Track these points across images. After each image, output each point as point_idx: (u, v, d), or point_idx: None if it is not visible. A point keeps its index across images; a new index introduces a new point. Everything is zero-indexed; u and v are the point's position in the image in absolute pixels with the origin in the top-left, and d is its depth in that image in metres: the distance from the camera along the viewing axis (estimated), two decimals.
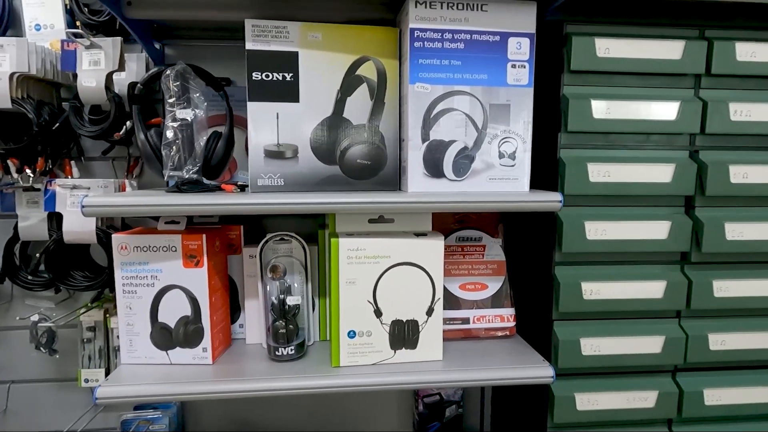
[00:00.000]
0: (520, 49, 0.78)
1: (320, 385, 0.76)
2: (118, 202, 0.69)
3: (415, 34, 0.75)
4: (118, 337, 0.95)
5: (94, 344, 1.00)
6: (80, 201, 0.69)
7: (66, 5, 0.95)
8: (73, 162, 0.98)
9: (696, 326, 0.86)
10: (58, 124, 0.93)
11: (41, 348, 0.99)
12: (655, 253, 0.85)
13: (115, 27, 0.94)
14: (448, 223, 0.93)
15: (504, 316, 0.91)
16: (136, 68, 0.96)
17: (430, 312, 0.82)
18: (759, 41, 0.81)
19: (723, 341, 0.85)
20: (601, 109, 0.80)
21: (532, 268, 0.94)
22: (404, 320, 0.81)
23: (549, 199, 0.76)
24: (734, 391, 0.87)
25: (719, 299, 0.84)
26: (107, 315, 0.99)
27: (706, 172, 0.81)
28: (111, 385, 0.74)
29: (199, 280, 0.80)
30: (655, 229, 0.82)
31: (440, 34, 0.76)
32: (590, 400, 0.85)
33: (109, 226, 0.95)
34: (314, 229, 1.03)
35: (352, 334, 0.80)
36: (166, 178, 0.79)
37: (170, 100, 0.79)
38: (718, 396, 0.86)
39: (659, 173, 0.81)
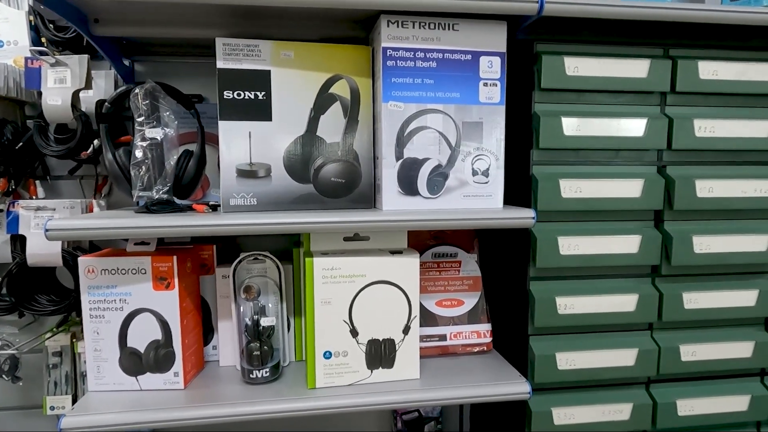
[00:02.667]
0: (492, 68, 0.79)
1: (296, 408, 0.75)
2: (83, 224, 0.67)
3: (388, 53, 0.76)
4: (85, 362, 0.92)
5: (60, 370, 0.96)
6: (44, 223, 0.67)
7: (31, 21, 0.93)
8: (38, 182, 0.95)
9: (667, 338, 0.87)
10: (21, 143, 0.90)
11: (4, 376, 0.95)
12: (627, 267, 0.86)
13: (83, 44, 0.92)
14: (424, 239, 0.93)
15: (480, 332, 0.91)
16: (104, 85, 0.94)
17: (406, 330, 0.81)
18: (720, 60, 0.83)
19: (694, 352, 0.87)
20: (571, 126, 0.81)
21: (507, 284, 0.94)
22: (380, 339, 0.80)
23: (522, 216, 0.77)
24: (706, 401, 0.88)
25: (689, 311, 0.86)
26: (74, 339, 0.95)
27: (673, 187, 0.83)
28: (77, 415, 0.71)
29: (169, 302, 0.78)
30: (626, 244, 0.84)
31: (413, 53, 0.76)
32: (567, 414, 0.86)
33: (76, 247, 0.92)
34: (289, 246, 1.02)
35: (327, 355, 0.79)
36: (135, 198, 0.77)
37: (139, 119, 0.77)
38: (690, 406, 0.88)
39: (629, 188, 0.83)
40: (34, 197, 0.95)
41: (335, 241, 0.82)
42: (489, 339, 0.91)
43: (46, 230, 0.66)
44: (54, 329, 0.96)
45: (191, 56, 0.99)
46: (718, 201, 0.84)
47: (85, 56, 0.84)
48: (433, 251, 0.92)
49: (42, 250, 0.86)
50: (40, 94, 0.86)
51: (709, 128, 0.84)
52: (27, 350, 0.96)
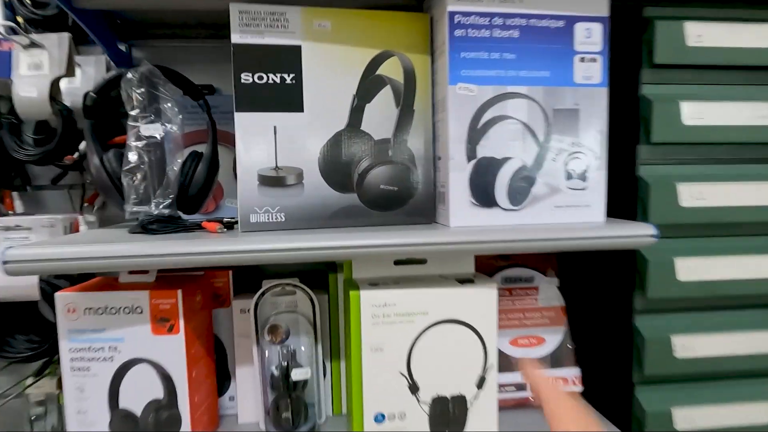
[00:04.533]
0: (590, 38, 0.60)
1: None
2: (53, 254, 0.49)
3: (456, 20, 0.57)
4: None
5: (45, 422, 0.79)
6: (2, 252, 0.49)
7: None
8: (15, 193, 0.78)
9: None
10: None
11: None
12: None
13: (68, 23, 0.75)
14: (490, 259, 0.74)
15: (568, 379, 0.72)
16: (94, 74, 0.77)
17: (481, 383, 0.62)
18: None
19: None
20: (693, 113, 0.62)
21: (600, 317, 0.75)
22: (448, 396, 0.61)
23: (637, 234, 0.57)
24: None
25: None
26: (61, 388, 0.78)
27: None
28: None
29: (173, 350, 0.60)
30: (765, 266, 0.64)
31: (488, 18, 0.58)
32: None
33: (57, 275, 0.75)
34: (322, 266, 0.84)
35: (380, 418, 0.60)
36: (127, 214, 0.59)
37: (133, 113, 0.60)
38: None
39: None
40: (11, 212, 0.78)
41: (384, 266, 0.64)
42: (579, 388, 0.72)
43: (4, 262, 0.48)
44: (34, 376, 0.78)
45: (200, 39, 0.82)
46: None
47: (66, 34, 0.67)
48: (502, 275, 0.73)
49: (13, 282, 0.68)
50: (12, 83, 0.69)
51: None
52: (5, 400, 0.79)
